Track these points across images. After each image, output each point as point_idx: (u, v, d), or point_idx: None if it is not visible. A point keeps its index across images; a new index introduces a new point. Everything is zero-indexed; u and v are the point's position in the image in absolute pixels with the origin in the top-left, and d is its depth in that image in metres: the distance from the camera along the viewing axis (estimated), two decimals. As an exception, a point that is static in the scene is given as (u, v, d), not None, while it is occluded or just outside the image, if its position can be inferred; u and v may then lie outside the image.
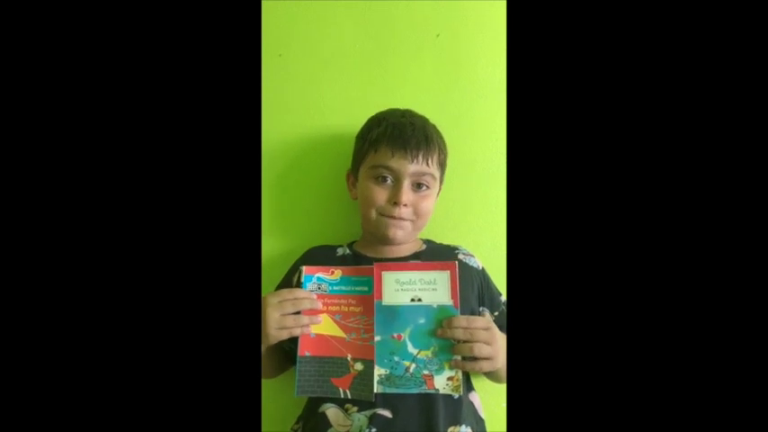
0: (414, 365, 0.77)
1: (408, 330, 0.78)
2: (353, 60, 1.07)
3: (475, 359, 0.77)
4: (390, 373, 0.77)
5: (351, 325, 0.80)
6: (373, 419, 0.78)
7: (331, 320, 0.81)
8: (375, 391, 0.77)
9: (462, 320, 0.77)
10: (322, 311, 0.81)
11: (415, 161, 0.87)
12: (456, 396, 0.80)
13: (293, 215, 1.06)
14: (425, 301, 0.79)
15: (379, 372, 0.77)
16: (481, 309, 0.91)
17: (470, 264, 0.94)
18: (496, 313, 0.92)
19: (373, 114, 0.95)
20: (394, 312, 0.79)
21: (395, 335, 0.78)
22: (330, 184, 1.05)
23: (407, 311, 0.79)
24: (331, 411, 0.81)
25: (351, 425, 0.79)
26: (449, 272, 0.79)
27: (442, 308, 0.78)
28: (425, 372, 0.77)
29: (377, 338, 0.78)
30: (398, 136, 0.87)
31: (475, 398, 0.90)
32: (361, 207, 0.92)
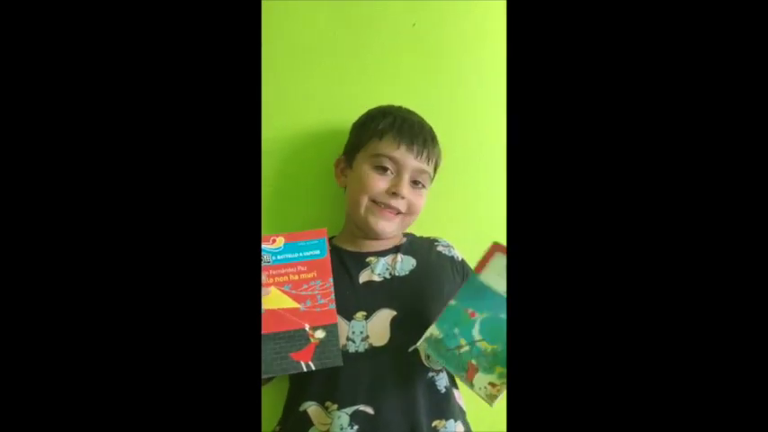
0: (467, 348, 0.70)
1: (485, 315, 0.71)
2: (329, 55, 1.03)
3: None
4: (442, 338, 0.71)
5: (304, 293, 0.74)
6: (355, 417, 0.74)
7: (279, 293, 0.73)
8: (418, 345, 0.72)
9: None
10: (268, 284, 0.73)
11: (419, 157, 0.86)
12: (443, 391, 0.79)
13: (274, 210, 0.99)
14: None
15: (432, 331, 0.72)
16: None
17: (450, 254, 0.92)
18: None
19: (371, 108, 0.93)
20: (484, 292, 0.72)
21: (470, 310, 0.71)
22: (311, 181, 1.00)
23: (496, 299, 0.71)
24: (312, 410, 0.77)
25: (331, 423, 0.74)
26: None
27: None
28: (473, 361, 0.70)
29: (452, 302, 0.72)
30: (408, 130, 0.87)
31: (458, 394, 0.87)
32: (353, 194, 0.88)
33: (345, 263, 0.86)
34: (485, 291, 0.72)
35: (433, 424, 0.77)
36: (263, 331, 0.71)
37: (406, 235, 0.95)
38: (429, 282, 0.86)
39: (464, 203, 1.05)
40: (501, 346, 0.69)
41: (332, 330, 0.73)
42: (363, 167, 0.86)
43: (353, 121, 0.94)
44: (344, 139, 0.94)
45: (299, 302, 0.73)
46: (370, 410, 0.75)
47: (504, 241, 0.71)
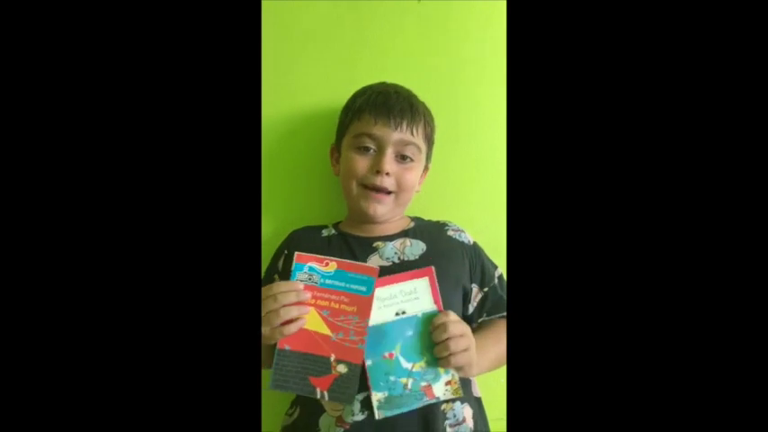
0: (411, 380, 0.73)
1: (399, 346, 0.74)
2: (333, 34, 1.01)
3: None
4: (389, 394, 0.73)
5: (339, 324, 0.73)
6: (365, 403, 0.74)
7: (318, 316, 0.74)
8: (377, 417, 0.72)
9: (441, 317, 0.74)
10: (309, 304, 0.73)
11: (399, 129, 0.83)
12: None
13: (276, 196, 0.99)
14: (410, 313, 0.75)
15: (377, 397, 0.73)
16: (472, 285, 0.86)
17: (461, 239, 0.89)
18: (486, 289, 0.88)
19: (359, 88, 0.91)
20: (381, 331, 0.74)
21: (386, 354, 0.74)
22: (314, 164, 0.99)
23: (394, 327, 0.75)
24: None
25: (343, 409, 0.75)
26: (427, 278, 0.76)
27: (426, 315, 0.75)
28: (423, 383, 0.73)
29: (368, 362, 0.73)
30: (382, 103, 0.84)
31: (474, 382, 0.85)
32: (343, 180, 0.88)
33: (352, 248, 0.85)
34: (381, 329, 0.74)
35: (442, 407, 0.77)
36: (291, 348, 0.72)
37: (414, 219, 0.93)
38: (440, 265, 0.80)
39: (472, 186, 1.03)
40: (427, 353, 0.74)
41: (354, 369, 0.72)
42: (347, 151, 0.86)
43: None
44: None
45: (332, 331, 0.73)
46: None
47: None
